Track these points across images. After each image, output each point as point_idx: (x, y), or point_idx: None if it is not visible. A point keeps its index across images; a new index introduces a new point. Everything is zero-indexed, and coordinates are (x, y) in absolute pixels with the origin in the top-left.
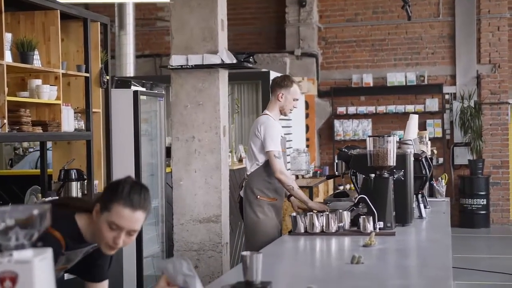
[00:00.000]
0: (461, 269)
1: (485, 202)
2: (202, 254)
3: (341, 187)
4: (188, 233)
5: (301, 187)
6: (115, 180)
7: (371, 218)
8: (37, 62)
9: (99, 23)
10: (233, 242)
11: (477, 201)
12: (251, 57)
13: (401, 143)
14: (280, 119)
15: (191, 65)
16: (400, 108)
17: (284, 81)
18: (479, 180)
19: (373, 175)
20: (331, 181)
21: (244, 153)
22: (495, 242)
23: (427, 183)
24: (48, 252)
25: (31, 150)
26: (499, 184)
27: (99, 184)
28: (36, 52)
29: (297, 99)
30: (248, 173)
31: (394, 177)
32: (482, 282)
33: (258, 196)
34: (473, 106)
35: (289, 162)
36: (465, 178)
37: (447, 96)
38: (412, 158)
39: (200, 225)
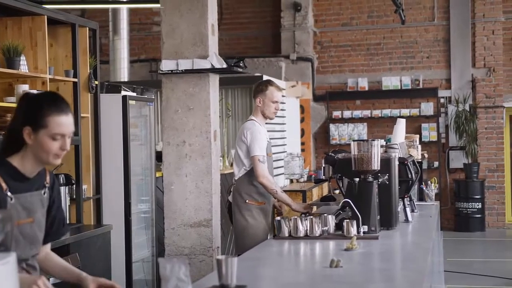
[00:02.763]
0: (455, 272)
1: (480, 206)
2: (193, 258)
3: (337, 191)
4: (179, 237)
5: (294, 191)
6: (27, 100)
7: (354, 222)
8: (23, 67)
9: (87, 28)
10: (224, 246)
11: (472, 204)
12: (241, 61)
13: (387, 147)
14: (274, 123)
15: (181, 70)
16: (395, 112)
17: (259, 86)
18: (475, 184)
19: (357, 179)
20: (325, 185)
21: None
22: (490, 245)
23: (414, 187)
24: (12, 256)
25: None
26: (494, 187)
27: (87, 189)
28: (22, 57)
29: (276, 101)
30: (236, 178)
31: (378, 181)
32: (476, 286)
33: (247, 201)
34: (468, 110)
35: (280, 167)
36: (460, 181)
37: (442, 100)
38: (397, 162)
39: (191, 229)
